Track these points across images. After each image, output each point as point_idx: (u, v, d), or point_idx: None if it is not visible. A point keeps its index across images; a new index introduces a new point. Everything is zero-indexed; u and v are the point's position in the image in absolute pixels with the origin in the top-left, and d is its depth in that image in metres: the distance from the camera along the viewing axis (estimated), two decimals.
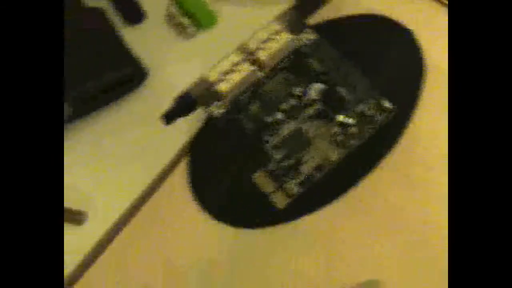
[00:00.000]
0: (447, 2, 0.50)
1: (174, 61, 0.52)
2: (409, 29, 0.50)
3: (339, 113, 0.45)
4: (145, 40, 0.53)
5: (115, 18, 0.54)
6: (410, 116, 0.47)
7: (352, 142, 0.45)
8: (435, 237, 0.44)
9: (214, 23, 0.53)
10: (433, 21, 0.50)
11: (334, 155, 0.45)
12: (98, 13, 0.52)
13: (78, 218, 0.48)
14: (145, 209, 0.47)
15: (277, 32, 0.47)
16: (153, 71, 0.52)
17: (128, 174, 0.49)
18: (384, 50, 0.49)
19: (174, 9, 0.53)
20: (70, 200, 0.48)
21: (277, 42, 0.47)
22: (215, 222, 0.46)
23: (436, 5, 0.50)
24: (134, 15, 0.54)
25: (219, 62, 0.46)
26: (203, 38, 0.53)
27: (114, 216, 0.48)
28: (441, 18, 0.50)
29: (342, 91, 0.46)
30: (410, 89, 0.48)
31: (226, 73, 0.46)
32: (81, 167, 0.49)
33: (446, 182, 0.45)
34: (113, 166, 0.49)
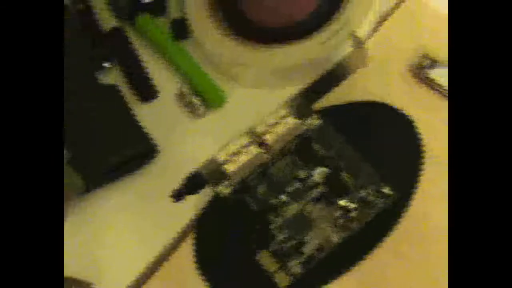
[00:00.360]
0: (445, 93, 0.52)
1: (183, 139, 0.54)
2: (409, 117, 0.52)
3: (341, 197, 0.47)
4: (157, 118, 0.55)
5: (129, 96, 0.56)
6: (409, 201, 0.49)
7: (352, 225, 0.47)
8: None
9: (223, 103, 0.55)
10: (432, 109, 0.52)
11: (335, 237, 0.47)
12: (112, 90, 0.55)
13: None
14: (151, 283, 0.49)
15: (284, 117, 0.49)
16: (163, 148, 0.54)
17: (135, 248, 0.50)
18: (385, 136, 0.51)
19: (185, 89, 0.55)
20: (78, 271, 0.49)
21: (283, 126, 0.49)
22: None
23: (435, 95, 0.53)
24: (147, 93, 0.56)
25: (228, 143, 0.48)
26: (213, 118, 0.55)
27: None
28: (439, 106, 0.52)
29: (345, 176, 0.48)
30: (409, 175, 0.49)
31: (235, 154, 0.48)
32: (90, 240, 0.51)
33: (445, 263, 0.46)
34: (121, 239, 0.51)
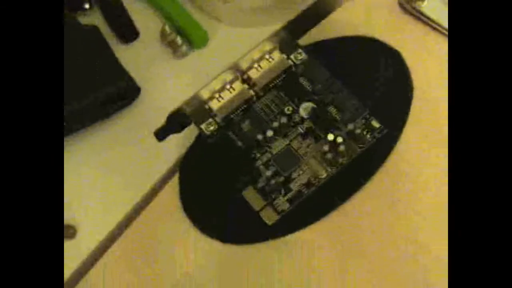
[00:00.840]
0: (434, 25, 0.51)
1: (166, 79, 0.53)
2: (396, 50, 0.50)
3: (329, 132, 0.46)
4: (138, 58, 0.54)
5: (110, 36, 0.55)
6: (398, 135, 0.48)
7: (341, 160, 0.46)
8: (422, 254, 0.45)
9: (206, 43, 0.54)
10: (421, 43, 0.51)
11: (324, 172, 0.46)
12: (93, 31, 0.53)
13: (68, 232, 0.48)
14: (136, 224, 0.48)
15: (268, 52, 0.48)
16: (145, 88, 0.52)
17: (119, 189, 0.49)
18: (373, 71, 0.50)
19: (167, 28, 0.54)
20: None
21: (268, 62, 0.48)
22: (205, 237, 0.47)
23: (424, 28, 0.51)
24: (128, 34, 0.55)
25: (211, 80, 0.47)
26: (196, 57, 0.54)
27: (104, 230, 0.48)
28: (428, 40, 0.51)
29: (332, 110, 0.47)
30: (398, 109, 0.49)
31: (218, 91, 0.47)
32: (72, 182, 0.49)
33: (433, 200, 0.46)
34: (105, 180, 0.50)
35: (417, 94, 0.49)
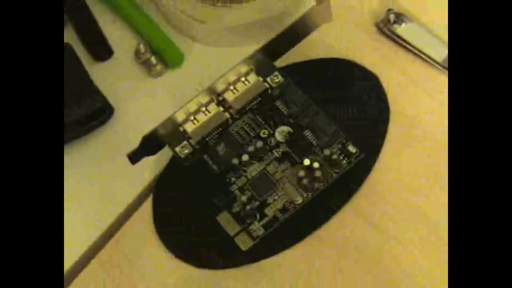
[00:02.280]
0: (411, 48, 0.51)
1: (140, 98, 0.52)
2: (373, 73, 0.50)
3: (305, 157, 0.46)
4: (112, 77, 0.53)
5: (83, 54, 0.54)
6: (374, 160, 0.48)
7: (317, 185, 0.45)
8: (397, 276, 0.44)
9: (181, 63, 0.53)
10: (398, 66, 0.51)
11: (299, 198, 0.45)
12: (65, 48, 0.52)
13: None
14: (110, 246, 0.47)
15: (244, 74, 0.47)
16: (119, 108, 0.51)
17: (92, 211, 0.48)
18: (350, 93, 0.49)
19: (141, 47, 0.53)
20: None
21: (244, 84, 0.47)
22: (180, 262, 0.46)
23: (401, 51, 0.51)
24: (102, 52, 0.54)
25: (186, 102, 0.46)
26: (171, 76, 0.53)
27: (77, 253, 0.47)
28: (405, 63, 0.51)
29: (309, 134, 0.47)
30: (375, 133, 0.48)
31: (193, 113, 0.46)
32: None
33: (411, 223, 0.46)
34: (77, 202, 0.49)
35: (393, 117, 0.49)
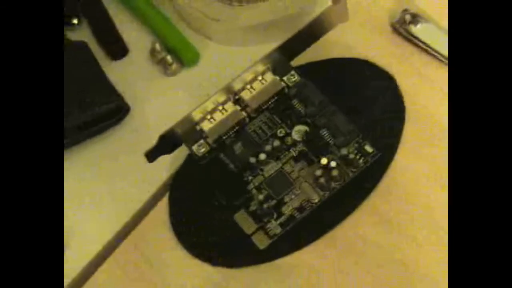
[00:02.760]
0: (426, 48, 0.51)
1: (156, 97, 0.52)
2: (389, 73, 0.50)
3: (322, 156, 0.46)
4: (128, 76, 0.53)
5: (98, 52, 0.54)
6: (390, 160, 0.48)
7: (333, 184, 0.45)
8: (412, 277, 0.44)
9: (197, 61, 0.54)
10: (414, 66, 0.51)
11: (316, 197, 0.45)
12: (82, 47, 0.52)
13: None
14: (126, 243, 0.47)
15: (261, 73, 0.48)
16: (135, 107, 0.52)
17: (109, 209, 0.49)
18: (366, 93, 0.49)
19: (157, 46, 0.53)
20: None
21: (261, 83, 0.47)
22: (196, 260, 0.46)
23: (417, 51, 0.51)
24: (117, 50, 0.54)
25: (203, 101, 0.46)
26: (186, 75, 0.53)
27: (94, 250, 0.47)
28: (421, 62, 0.51)
29: (325, 134, 0.47)
30: (391, 132, 0.48)
31: (210, 112, 0.47)
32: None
33: (424, 224, 0.46)
34: (94, 200, 0.49)
35: (409, 116, 0.49)
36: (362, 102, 0.49)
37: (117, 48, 0.55)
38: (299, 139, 0.47)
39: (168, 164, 0.49)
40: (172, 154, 0.47)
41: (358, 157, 0.46)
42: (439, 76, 0.50)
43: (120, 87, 0.52)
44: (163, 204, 0.48)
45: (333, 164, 0.45)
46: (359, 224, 0.46)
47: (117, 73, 0.53)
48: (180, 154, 0.48)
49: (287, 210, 0.45)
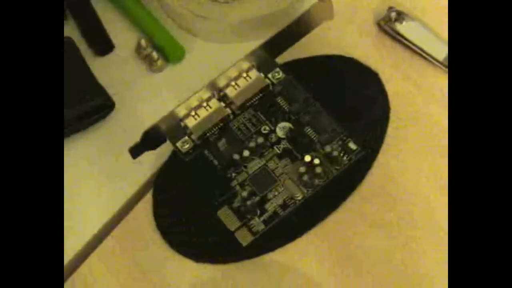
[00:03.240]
0: (411, 46, 0.51)
1: (141, 94, 0.53)
2: (374, 71, 0.51)
3: (306, 153, 0.46)
4: (113, 71, 0.53)
5: (84, 48, 0.54)
6: (374, 157, 0.48)
7: (317, 181, 0.46)
8: (395, 276, 0.45)
9: (182, 58, 0.54)
10: (399, 63, 0.51)
11: (300, 194, 0.45)
12: (67, 42, 0.52)
13: None
14: (110, 240, 0.47)
15: (246, 70, 0.48)
16: (120, 103, 0.52)
17: (93, 205, 0.49)
18: (350, 91, 0.50)
19: (143, 42, 0.53)
20: None
21: (245, 80, 0.47)
22: (179, 256, 0.46)
23: (402, 49, 0.52)
24: (103, 46, 0.54)
25: (188, 97, 0.46)
26: (172, 72, 0.53)
27: (77, 245, 0.47)
28: (406, 60, 0.51)
29: (309, 131, 0.47)
30: (375, 130, 0.49)
31: (195, 109, 0.47)
32: None
33: (406, 222, 0.46)
34: (77, 196, 0.49)
35: (393, 115, 0.49)
36: (347, 99, 0.49)
37: (102, 44, 0.55)
38: (283, 136, 0.47)
39: (152, 160, 0.49)
40: (156, 150, 0.47)
41: (342, 154, 0.46)
42: (424, 73, 0.51)
43: (105, 83, 0.52)
44: (147, 200, 0.48)
45: (316, 161, 0.45)
46: (343, 221, 0.46)
47: (102, 69, 0.53)
48: (164, 150, 0.48)
49: (270, 207, 0.45)
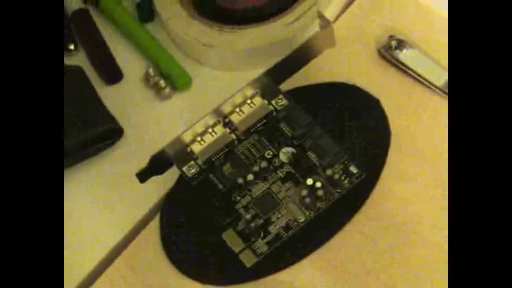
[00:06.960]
0: (411, 73, 0.52)
1: (149, 121, 0.54)
2: (375, 97, 0.52)
3: (308, 177, 0.47)
4: (122, 99, 0.55)
5: (94, 77, 0.55)
6: (375, 181, 0.49)
7: (319, 204, 0.47)
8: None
9: (189, 86, 0.55)
10: (399, 91, 0.52)
11: (302, 216, 0.46)
12: (77, 71, 0.54)
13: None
14: (118, 263, 0.48)
15: (250, 97, 0.49)
16: (128, 129, 0.53)
17: (101, 228, 0.50)
18: (352, 117, 0.51)
19: (151, 71, 0.55)
20: None
21: (250, 106, 0.49)
22: (185, 278, 0.47)
23: (403, 76, 0.53)
24: (112, 75, 0.56)
25: (194, 123, 0.47)
26: (179, 99, 0.55)
27: (86, 269, 0.49)
28: (407, 88, 0.52)
29: (312, 155, 0.48)
30: (376, 155, 0.50)
31: (200, 134, 0.48)
32: None
33: (407, 243, 0.47)
34: (86, 220, 0.50)
35: (394, 139, 0.50)
36: (348, 125, 0.50)
37: (112, 73, 0.56)
38: (286, 161, 0.48)
39: (160, 185, 0.50)
40: (163, 175, 0.49)
41: (343, 177, 0.47)
42: (424, 100, 0.52)
43: (114, 110, 0.53)
44: (155, 223, 0.49)
45: (318, 184, 0.46)
46: (345, 243, 0.47)
47: (111, 97, 0.54)
48: (171, 175, 0.49)
49: (274, 229, 0.46)
